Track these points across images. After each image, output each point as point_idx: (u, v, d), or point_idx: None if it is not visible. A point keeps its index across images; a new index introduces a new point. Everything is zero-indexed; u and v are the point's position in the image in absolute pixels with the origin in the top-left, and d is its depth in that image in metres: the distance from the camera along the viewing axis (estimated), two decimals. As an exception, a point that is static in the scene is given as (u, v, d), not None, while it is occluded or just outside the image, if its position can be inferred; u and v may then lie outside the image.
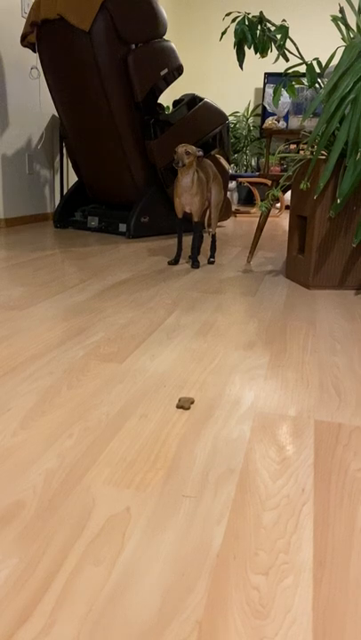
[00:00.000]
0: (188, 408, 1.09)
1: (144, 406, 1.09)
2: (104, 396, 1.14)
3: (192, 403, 1.11)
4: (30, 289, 2.02)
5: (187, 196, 2.50)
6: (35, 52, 3.46)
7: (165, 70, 3.32)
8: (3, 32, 3.52)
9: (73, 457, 0.90)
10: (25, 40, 3.44)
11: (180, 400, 1.11)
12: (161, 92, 3.43)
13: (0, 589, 0.62)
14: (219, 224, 4.43)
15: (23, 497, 0.79)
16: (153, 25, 3.22)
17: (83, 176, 3.82)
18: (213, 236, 2.77)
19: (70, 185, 4.54)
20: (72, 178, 4.61)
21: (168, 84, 3.44)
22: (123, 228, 3.59)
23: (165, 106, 3.92)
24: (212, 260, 2.74)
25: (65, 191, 4.43)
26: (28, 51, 3.72)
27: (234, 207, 5.45)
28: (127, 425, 1.01)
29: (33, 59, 3.81)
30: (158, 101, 3.49)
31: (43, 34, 3.26)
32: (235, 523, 0.75)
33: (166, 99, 4.83)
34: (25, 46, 3.50)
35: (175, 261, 2.66)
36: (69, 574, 0.64)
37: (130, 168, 3.43)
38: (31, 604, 0.60)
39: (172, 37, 6.44)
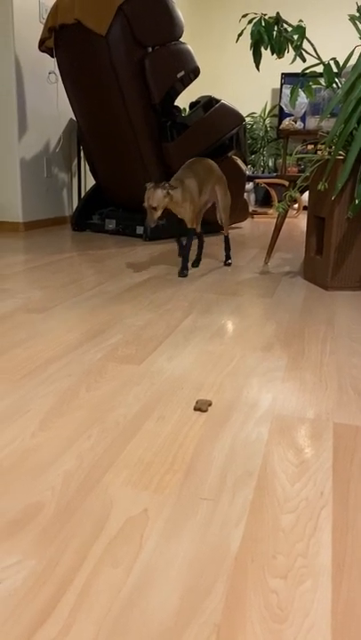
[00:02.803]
0: (206, 410, 1.09)
1: (161, 408, 1.10)
2: (122, 397, 1.14)
3: (210, 405, 1.11)
4: (49, 291, 2.04)
5: (176, 208, 2.35)
6: (52, 56, 3.50)
7: (182, 72, 3.33)
8: (21, 38, 3.56)
9: (91, 458, 0.90)
10: (43, 45, 3.47)
11: (197, 402, 1.11)
12: (178, 94, 3.43)
13: (19, 590, 0.62)
14: (236, 225, 4.42)
15: (42, 498, 0.79)
16: (170, 28, 3.23)
17: (100, 179, 3.85)
18: (227, 238, 2.71)
19: (88, 188, 4.57)
20: (90, 181, 4.64)
21: (185, 87, 3.44)
22: (140, 230, 3.60)
23: (182, 108, 3.92)
24: (228, 262, 2.69)
25: (83, 194, 4.46)
26: (46, 56, 3.75)
27: (251, 208, 5.43)
28: (145, 427, 1.01)
29: (51, 63, 3.85)
30: (175, 104, 3.50)
31: (60, 39, 3.29)
32: (253, 525, 0.74)
33: (183, 101, 4.84)
34: (43, 51, 3.53)
35: (184, 271, 2.41)
36: (88, 575, 0.65)
37: (147, 171, 3.44)
38: (50, 605, 0.60)
39: (189, 39, 6.45)
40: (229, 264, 2.69)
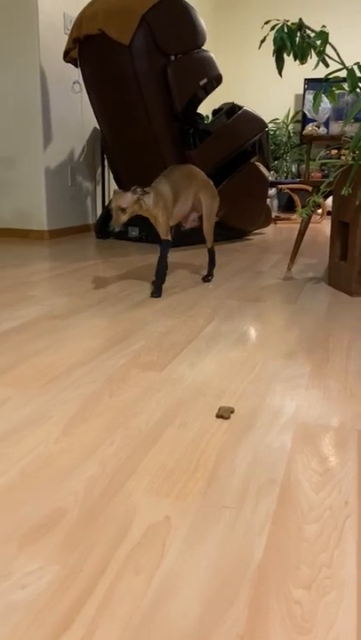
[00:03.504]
0: (228, 417, 1.08)
1: (183, 415, 1.09)
2: (144, 404, 1.14)
3: (232, 412, 1.10)
4: (73, 298, 2.06)
5: (149, 216, 2.14)
6: (77, 66, 3.55)
7: (205, 80, 3.34)
8: (46, 49, 3.62)
9: (114, 464, 0.90)
10: (67, 56, 3.52)
11: (219, 409, 1.10)
12: (200, 101, 3.45)
13: (42, 596, 0.63)
14: (259, 231, 4.40)
15: (65, 504, 0.80)
16: (192, 36, 3.25)
17: (123, 187, 3.88)
18: (211, 251, 2.43)
19: (111, 196, 4.61)
20: (113, 189, 4.68)
21: (207, 94, 3.45)
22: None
23: (205, 115, 3.93)
24: (208, 277, 2.42)
25: (106, 202, 4.50)
26: (70, 66, 3.81)
27: (274, 214, 5.41)
28: (167, 434, 1.01)
29: (75, 73, 3.90)
30: (197, 111, 3.51)
31: (84, 49, 3.34)
32: (276, 535, 0.74)
33: (206, 108, 4.86)
34: (67, 62, 3.59)
35: (157, 292, 2.13)
36: (110, 582, 0.65)
37: (169, 178, 3.46)
38: (73, 610, 0.61)
39: (211, 46, 6.48)
40: (209, 280, 2.42)
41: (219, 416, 1.08)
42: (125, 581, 0.65)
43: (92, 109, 3.69)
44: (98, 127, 4.16)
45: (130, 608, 0.61)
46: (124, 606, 0.61)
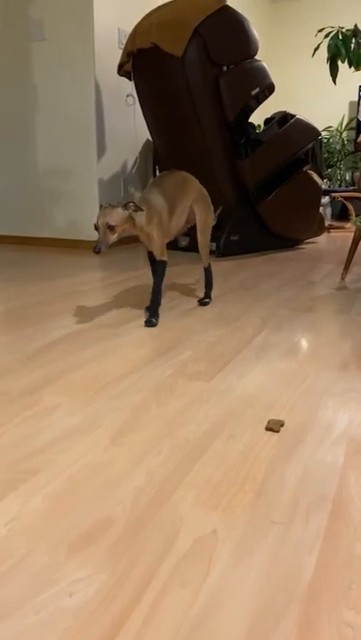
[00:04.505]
0: (278, 431, 1.06)
1: (231, 427, 1.08)
2: (191, 414, 1.14)
3: (282, 425, 1.08)
4: (121, 308, 2.09)
5: (141, 235, 1.84)
6: (130, 80, 3.62)
7: (257, 89, 3.33)
8: (101, 63, 3.71)
9: (161, 475, 0.90)
10: (121, 70, 3.60)
11: (269, 422, 1.09)
12: (252, 111, 3.44)
13: (90, 604, 0.63)
14: (311, 240, 4.33)
15: (112, 513, 0.80)
16: (245, 47, 3.25)
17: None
18: (207, 270, 2.15)
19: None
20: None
21: (259, 103, 3.44)
22: (213, 246, 3.61)
23: (257, 124, 3.92)
24: (205, 300, 2.13)
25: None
26: (124, 79, 3.89)
27: (327, 223, 5.32)
28: (214, 445, 1.01)
29: (128, 86, 3.98)
30: (249, 120, 3.51)
31: (138, 62, 3.40)
32: (327, 553, 0.71)
33: (258, 117, 4.85)
34: (121, 75, 3.66)
35: (152, 319, 1.85)
36: (157, 594, 0.64)
37: (221, 188, 3.46)
38: (120, 620, 0.61)
39: (263, 55, 6.47)
40: (205, 303, 2.12)
41: (268, 429, 1.07)
42: (171, 593, 0.64)
43: (144, 121, 3.75)
44: (150, 139, 4.22)
45: (176, 620, 0.60)
46: (170, 618, 0.61)
